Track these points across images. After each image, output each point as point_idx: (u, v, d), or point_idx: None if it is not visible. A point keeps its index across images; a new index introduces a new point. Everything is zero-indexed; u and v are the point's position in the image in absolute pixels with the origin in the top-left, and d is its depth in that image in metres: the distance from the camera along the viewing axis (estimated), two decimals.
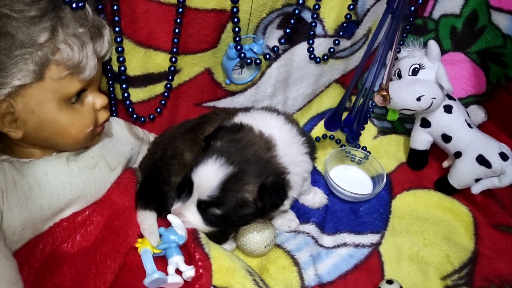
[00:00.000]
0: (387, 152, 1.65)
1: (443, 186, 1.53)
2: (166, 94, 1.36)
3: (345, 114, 1.50)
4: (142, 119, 1.31)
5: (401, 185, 1.54)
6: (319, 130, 1.66)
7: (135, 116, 1.31)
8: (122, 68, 1.25)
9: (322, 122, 1.66)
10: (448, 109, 1.51)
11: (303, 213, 1.42)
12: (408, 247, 1.37)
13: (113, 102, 1.33)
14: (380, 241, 1.38)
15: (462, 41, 1.63)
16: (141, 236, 1.10)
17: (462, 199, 1.52)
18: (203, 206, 1.10)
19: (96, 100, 1.07)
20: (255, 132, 1.15)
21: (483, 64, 1.62)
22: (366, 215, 1.44)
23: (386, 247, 1.37)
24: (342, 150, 1.58)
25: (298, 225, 1.38)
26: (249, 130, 1.15)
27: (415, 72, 1.51)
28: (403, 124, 1.73)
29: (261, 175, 1.09)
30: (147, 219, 1.11)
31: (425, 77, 1.51)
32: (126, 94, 1.30)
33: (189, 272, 1.05)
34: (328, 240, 1.37)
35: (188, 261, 1.08)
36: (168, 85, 1.35)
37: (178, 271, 1.06)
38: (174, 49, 1.29)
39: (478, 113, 1.66)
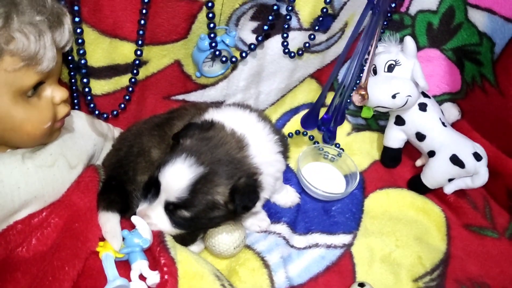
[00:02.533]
0: (361, 149, 1.62)
1: (416, 185, 1.51)
2: (130, 89, 1.28)
3: (321, 112, 1.45)
4: (105, 115, 1.23)
5: (374, 183, 1.51)
6: (292, 125, 1.61)
7: (97, 112, 1.23)
8: (82, 62, 1.16)
9: (295, 118, 1.62)
10: (422, 107, 1.48)
11: (274, 212, 1.38)
12: (380, 248, 1.35)
13: (75, 94, 1.25)
14: (352, 241, 1.35)
15: (438, 37, 1.60)
16: (102, 239, 1.04)
17: (434, 198, 1.50)
18: (171, 208, 1.05)
19: (55, 93, 0.99)
20: (227, 130, 1.09)
21: (458, 62, 1.60)
22: (339, 214, 1.41)
23: (358, 248, 1.34)
24: (315, 147, 1.54)
25: (269, 224, 1.34)
26: (220, 128, 1.10)
27: (390, 68, 1.48)
28: (377, 121, 1.70)
29: (232, 177, 1.04)
30: (109, 221, 1.05)
31: (401, 74, 1.47)
32: (87, 89, 1.22)
33: (154, 278, 1.00)
34: (299, 240, 1.33)
35: (152, 266, 1.02)
36: (133, 79, 1.28)
37: (142, 277, 1.01)
38: (140, 42, 1.22)
39: (452, 111, 1.64)
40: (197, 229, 1.17)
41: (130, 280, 0.99)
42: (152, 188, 1.06)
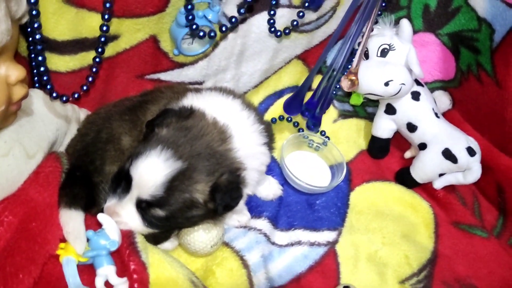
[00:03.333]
0: (347, 138, 1.51)
1: (404, 178, 1.42)
2: (94, 69, 1.13)
3: (307, 97, 1.34)
4: (64, 98, 1.07)
5: (361, 176, 1.42)
6: (275, 110, 1.50)
7: (54, 94, 1.05)
8: (37, 37, 0.99)
9: (279, 102, 1.51)
10: (415, 96, 1.39)
11: (255, 206, 1.28)
12: (366, 246, 1.27)
13: (35, 71, 1.09)
14: (337, 239, 1.27)
15: (434, 21, 1.50)
16: (63, 241, 0.92)
17: (423, 193, 1.42)
18: (143, 206, 0.93)
19: (10, 72, 0.85)
20: (208, 119, 0.98)
21: (454, 48, 1.50)
22: (323, 209, 1.32)
23: (343, 246, 1.26)
24: (300, 135, 1.43)
25: (249, 219, 1.24)
26: (200, 117, 0.98)
27: (384, 53, 1.37)
28: (364, 107, 1.60)
29: (214, 173, 0.93)
30: (72, 221, 0.93)
31: (395, 60, 1.37)
32: (42, 68, 1.04)
33: (122, 286, 0.88)
34: (281, 237, 1.24)
35: (120, 272, 0.91)
36: (97, 59, 1.12)
37: (109, 285, 0.90)
38: (106, 16, 1.05)
39: (443, 100, 1.56)
40: (172, 228, 1.06)
41: None
42: (122, 182, 0.94)
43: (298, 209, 1.31)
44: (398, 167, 1.47)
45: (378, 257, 1.26)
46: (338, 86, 1.39)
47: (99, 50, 1.10)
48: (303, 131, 1.46)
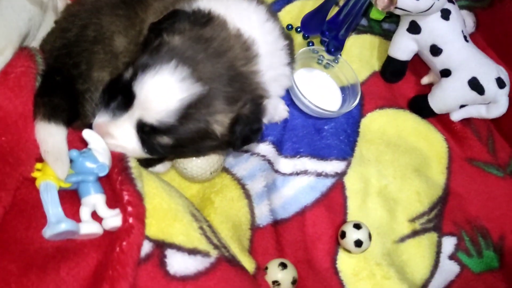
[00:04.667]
0: (360, 56, 1.33)
1: (419, 106, 1.28)
2: None
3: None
4: None
5: (374, 101, 1.26)
6: (282, 18, 1.29)
7: None
8: None
9: (287, 8, 1.30)
10: (445, 14, 1.22)
11: None
12: (377, 180, 1.16)
13: None
14: (345, 170, 1.14)
15: None
16: (41, 160, 0.75)
17: (437, 124, 1.29)
18: (146, 130, 0.77)
19: None
20: (230, 30, 0.80)
21: None
22: (332, 136, 1.17)
23: (352, 178, 1.13)
24: (309, 49, 1.25)
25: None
26: (221, 26, 0.80)
27: None
28: (380, 23, 1.41)
29: (236, 101, 0.77)
30: (51, 137, 0.76)
31: None
32: None
33: (113, 220, 0.74)
34: (285, 164, 1.11)
35: (111, 202, 0.75)
36: None
37: (96, 216, 0.74)
38: None
39: (466, 21, 1.38)
40: (174, 155, 0.90)
41: (79, 221, 0.72)
42: (119, 96, 0.76)
43: (305, 134, 1.17)
44: (412, 93, 1.33)
45: (388, 192, 1.15)
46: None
47: None
48: (313, 44, 1.28)
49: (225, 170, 1.04)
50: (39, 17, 0.90)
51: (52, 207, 0.70)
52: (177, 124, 0.75)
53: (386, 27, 1.40)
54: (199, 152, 0.89)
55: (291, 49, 0.92)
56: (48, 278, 0.68)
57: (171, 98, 0.73)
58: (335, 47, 1.17)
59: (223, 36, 0.79)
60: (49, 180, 0.72)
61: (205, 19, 0.80)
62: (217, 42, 0.77)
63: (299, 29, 1.28)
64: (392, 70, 1.32)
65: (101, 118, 0.78)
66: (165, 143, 0.77)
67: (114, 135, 0.78)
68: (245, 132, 0.79)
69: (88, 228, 0.72)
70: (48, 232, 0.68)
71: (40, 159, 0.75)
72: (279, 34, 0.87)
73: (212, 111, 0.76)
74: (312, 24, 1.15)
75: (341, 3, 1.18)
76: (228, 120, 0.78)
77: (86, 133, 0.77)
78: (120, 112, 0.76)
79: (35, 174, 0.73)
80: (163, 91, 0.73)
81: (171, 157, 0.96)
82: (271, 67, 0.83)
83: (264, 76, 0.81)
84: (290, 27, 1.28)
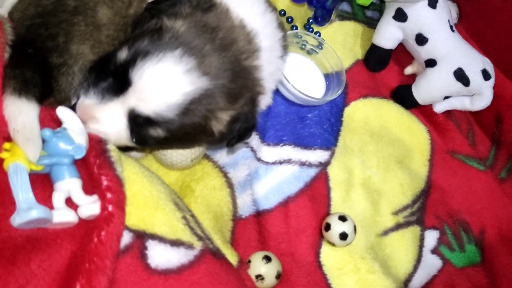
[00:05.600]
0: (344, 43, 1.29)
1: (402, 97, 1.25)
2: None
3: None
4: None
5: (358, 90, 1.23)
6: None
7: None
8: None
9: None
10: (433, 2, 1.19)
11: None
12: (360, 170, 1.13)
13: None
14: (329, 160, 1.10)
15: None
16: (9, 140, 0.67)
17: (420, 115, 1.26)
18: (139, 122, 0.70)
19: None
20: (234, 20, 0.74)
21: None
22: (315, 124, 1.13)
23: (336, 168, 1.10)
24: (293, 33, 1.20)
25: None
26: (224, 14, 0.75)
27: None
28: (363, 10, 1.37)
29: (238, 99, 0.73)
30: (22, 114, 0.68)
31: None
32: None
33: (90, 207, 0.67)
34: (268, 153, 1.06)
35: (88, 188, 0.69)
36: None
37: (71, 203, 0.67)
38: None
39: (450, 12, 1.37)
40: (160, 147, 0.84)
41: (52, 208, 0.65)
42: (110, 78, 0.69)
43: (288, 121, 1.12)
44: (395, 83, 1.29)
45: (372, 183, 1.12)
46: None
47: None
48: (297, 28, 1.23)
49: (206, 157, 0.98)
50: None
51: (22, 192, 0.63)
52: (176, 119, 0.69)
53: (369, 15, 1.36)
54: (189, 145, 0.84)
55: (285, 41, 0.87)
56: (17, 271, 0.61)
57: (174, 91, 0.68)
58: (322, 16, 1.13)
59: (228, 26, 0.73)
60: (19, 162, 0.64)
61: (208, 4, 0.74)
62: (222, 33, 0.72)
63: (283, 12, 1.22)
64: (376, 58, 1.28)
65: (88, 100, 0.71)
66: (157, 135, 0.72)
67: (99, 120, 0.71)
68: (242, 130, 0.75)
69: (62, 216, 0.65)
70: (18, 219, 0.61)
71: (9, 138, 0.67)
72: (277, 25, 0.82)
73: (213, 108, 0.71)
74: None
75: None
76: (228, 118, 0.73)
77: (61, 111, 0.69)
78: (110, 96, 0.70)
79: (2, 154, 0.65)
80: (166, 82, 0.67)
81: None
82: (269, 61, 0.79)
83: (263, 72, 0.77)
84: (283, 12, 1.23)
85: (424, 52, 1.21)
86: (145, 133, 0.72)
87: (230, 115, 0.74)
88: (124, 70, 0.68)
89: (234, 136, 0.76)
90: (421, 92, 1.22)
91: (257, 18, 0.78)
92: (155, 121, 0.70)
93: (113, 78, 0.70)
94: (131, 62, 0.68)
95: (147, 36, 0.69)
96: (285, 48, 0.88)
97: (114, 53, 0.70)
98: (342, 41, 1.29)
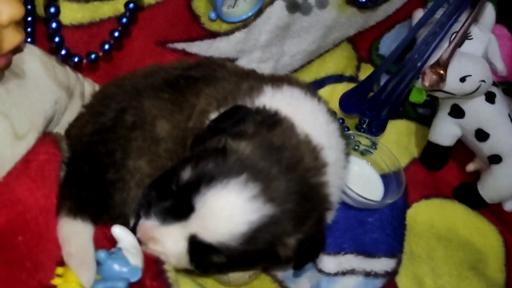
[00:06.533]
0: (398, 142, 1.24)
1: (467, 196, 1.17)
2: (124, 20, 0.83)
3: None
4: (76, 59, 0.78)
5: (419, 190, 1.16)
6: None
7: (63, 52, 0.76)
8: None
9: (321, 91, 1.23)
10: (490, 97, 1.14)
11: None
12: (431, 280, 1.02)
13: (29, 19, 0.79)
14: (396, 268, 1.01)
15: (509, 11, 1.26)
16: (62, 264, 0.62)
17: (489, 216, 1.17)
18: (200, 248, 0.65)
19: (1, 7, 0.56)
20: (299, 136, 0.71)
21: None
22: (377, 229, 1.05)
23: (404, 278, 1.00)
24: (347, 135, 1.16)
25: None
26: (289, 129, 0.71)
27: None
28: (414, 107, 1.34)
29: (306, 221, 0.67)
30: (76, 236, 0.64)
31: (471, 51, 1.12)
32: (53, 9, 0.76)
33: None
34: (329, 262, 0.97)
35: None
36: (131, 4, 0.82)
37: None
38: None
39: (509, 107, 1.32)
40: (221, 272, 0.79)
41: None
42: (171, 199, 0.65)
43: (347, 227, 1.04)
44: (457, 181, 1.22)
45: None
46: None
47: None
48: (348, 129, 1.20)
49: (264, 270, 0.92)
50: (64, 102, 0.81)
51: None
52: (240, 248, 0.64)
53: (421, 112, 1.33)
54: (252, 269, 0.80)
55: (348, 149, 0.83)
56: None
57: (238, 220, 0.63)
58: (377, 127, 1.09)
59: (294, 144, 0.69)
60: None
61: (272, 120, 0.71)
62: (288, 152, 0.68)
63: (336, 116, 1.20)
64: (434, 156, 1.22)
65: (150, 222, 0.66)
66: (217, 262, 0.66)
67: (160, 242, 0.66)
68: (310, 251, 0.70)
69: None
70: None
71: (62, 263, 0.62)
72: (340, 135, 0.79)
73: (279, 234, 0.66)
74: (352, 103, 1.07)
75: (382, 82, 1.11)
76: (295, 242, 0.67)
77: (117, 231, 0.65)
78: (171, 220, 0.65)
79: (55, 281, 0.60)
80: (230, 211, 0.63)
81: None
82: (336, 175, 0.74)
83: (331, 188, 0.72)
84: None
85: (486, 148, 1.15)
86: (206, 259, 0.66)
87: (297, 239, 0.67)
88: (187, 193, 0.64)
89: (302, 259, 0.70)
90: (488, 190, 1.14)
91: (322, 131, 0.75)
92: (217, 249, 0.64)
93: (175, 201, 0.66)
94: (195, 185, 0.64)
95: (211, 158, 0.65)
96: (347, 157, 0.84)
97: (176, 171, 0.66)
98: (396, 140, 1.24)
